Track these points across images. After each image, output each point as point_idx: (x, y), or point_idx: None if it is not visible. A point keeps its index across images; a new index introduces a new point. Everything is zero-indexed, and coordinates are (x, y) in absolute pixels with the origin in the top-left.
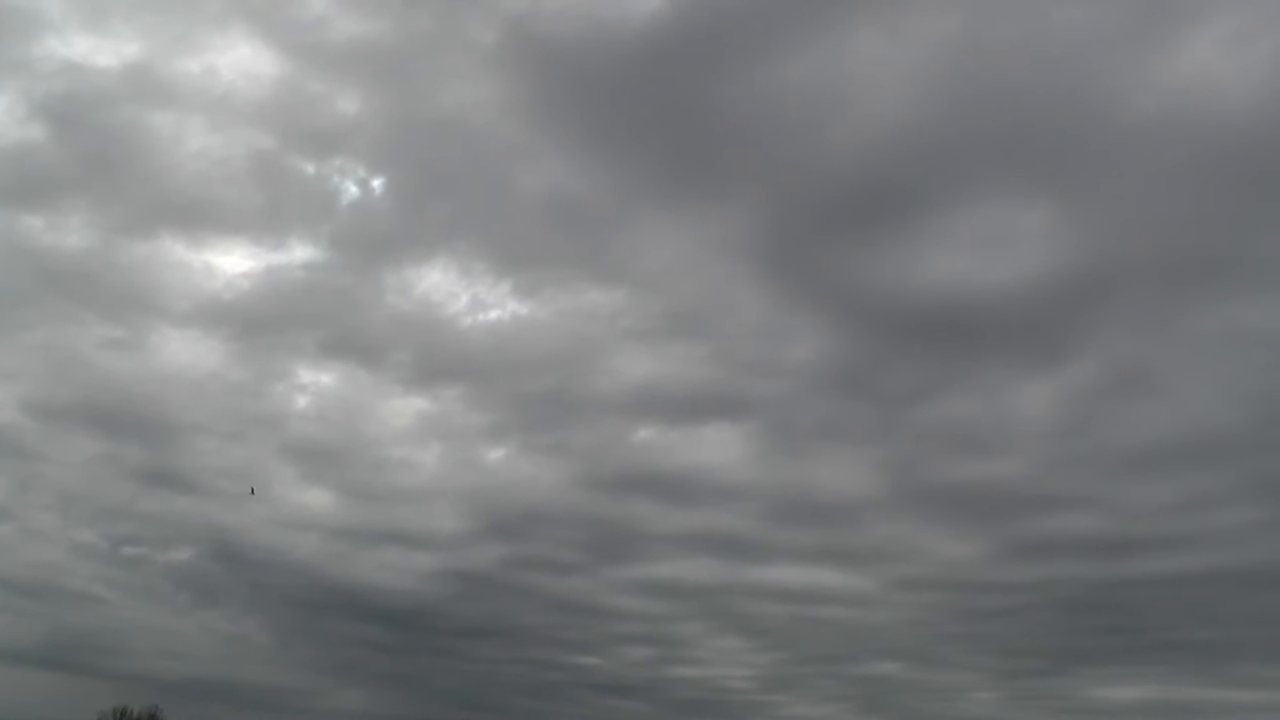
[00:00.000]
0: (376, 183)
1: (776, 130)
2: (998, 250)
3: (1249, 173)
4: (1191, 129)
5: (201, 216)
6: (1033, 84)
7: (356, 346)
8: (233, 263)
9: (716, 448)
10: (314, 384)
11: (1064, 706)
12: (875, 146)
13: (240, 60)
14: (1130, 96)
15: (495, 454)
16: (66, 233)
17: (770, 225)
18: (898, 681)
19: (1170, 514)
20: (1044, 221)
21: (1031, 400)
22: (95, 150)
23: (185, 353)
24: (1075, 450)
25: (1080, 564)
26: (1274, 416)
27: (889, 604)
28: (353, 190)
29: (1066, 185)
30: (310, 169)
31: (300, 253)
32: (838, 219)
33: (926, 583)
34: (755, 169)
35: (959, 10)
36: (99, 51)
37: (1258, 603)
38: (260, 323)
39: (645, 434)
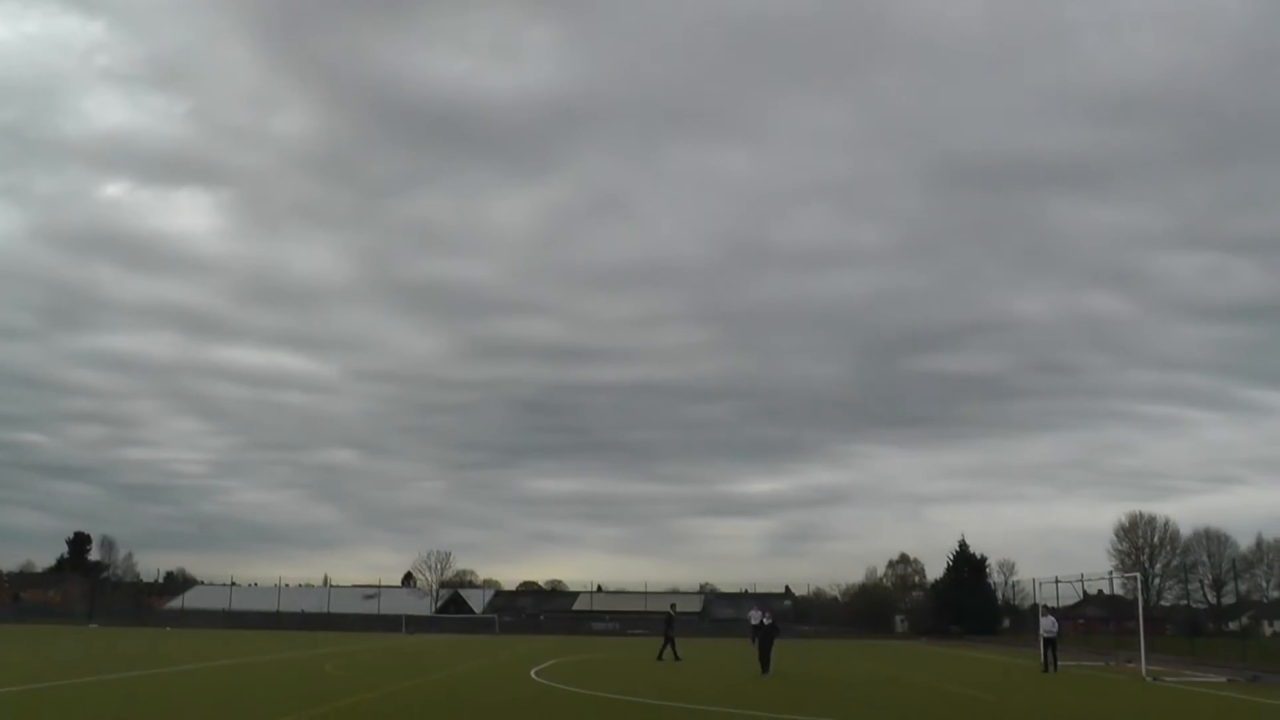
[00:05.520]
0: None
1: None
2: (500, 59)
3: (740, 34)
4: None
5: None
6: None
7: None
8: None
9: (188, 215)
10: None
11: (505, 496)
12: None
13: None
14: None
15: None
16: None
17: None
18: (350, 470)
19: (625, 328)
20: (549, 39)
21: (508, 208)
22: None
23: None
24: (544, 260)
25: (535, 367)
26: (729, 253)
27: (348, 393)
28: None
29: (576, 8)
30: None
31: None
32: None
33: (386, 374)
34: None
35: None
36: None
37: (686, 411)
38: None
39: (113, 190)
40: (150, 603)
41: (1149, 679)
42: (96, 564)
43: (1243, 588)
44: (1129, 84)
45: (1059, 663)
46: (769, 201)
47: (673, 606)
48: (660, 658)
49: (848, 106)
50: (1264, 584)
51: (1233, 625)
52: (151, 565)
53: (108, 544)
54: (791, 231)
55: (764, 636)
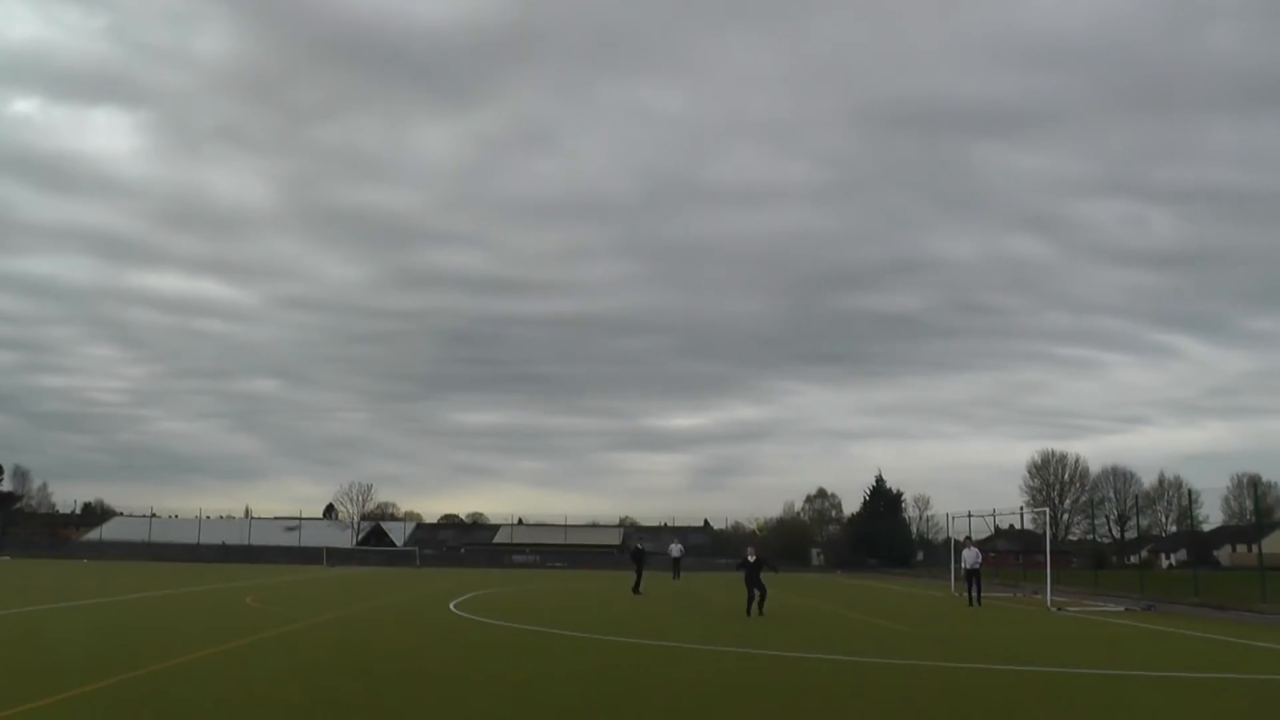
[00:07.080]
0: None
1: None
2: None
3: None
4: None
5: None
6: None
7: None
8: None
9: (105, 135)
10: None
11: (427, 428)
12: None
13: None
14: None
15: None
16: None
17: None
18: (273, 399)
19: (550, 261)
20: None
21: (436, 137)
22: None
23: None
24: (471, 191)
25: (460, 298)
26: (657, 188)
27: (270, 322)
28: None
29: None
30: None
31: None
32: None
33: (309, 303)
34: None
35: None
36: None
37: (610, 345)
38: None
39: (24, 107)
40: (66, 534)
41: (1053, 609)
42: (9, 494)
43: (1144, 523)
44: (1057, 33)
45: (974, 595)
46: (699, 138)
47: (640, 542)
48: (636, 590)
49: (780, 46)
50: (1163, 519)
51: (1134, 558)
52: (68, 496)
53: (21, 474)
54: (720, 169)
55: (750, 573)
